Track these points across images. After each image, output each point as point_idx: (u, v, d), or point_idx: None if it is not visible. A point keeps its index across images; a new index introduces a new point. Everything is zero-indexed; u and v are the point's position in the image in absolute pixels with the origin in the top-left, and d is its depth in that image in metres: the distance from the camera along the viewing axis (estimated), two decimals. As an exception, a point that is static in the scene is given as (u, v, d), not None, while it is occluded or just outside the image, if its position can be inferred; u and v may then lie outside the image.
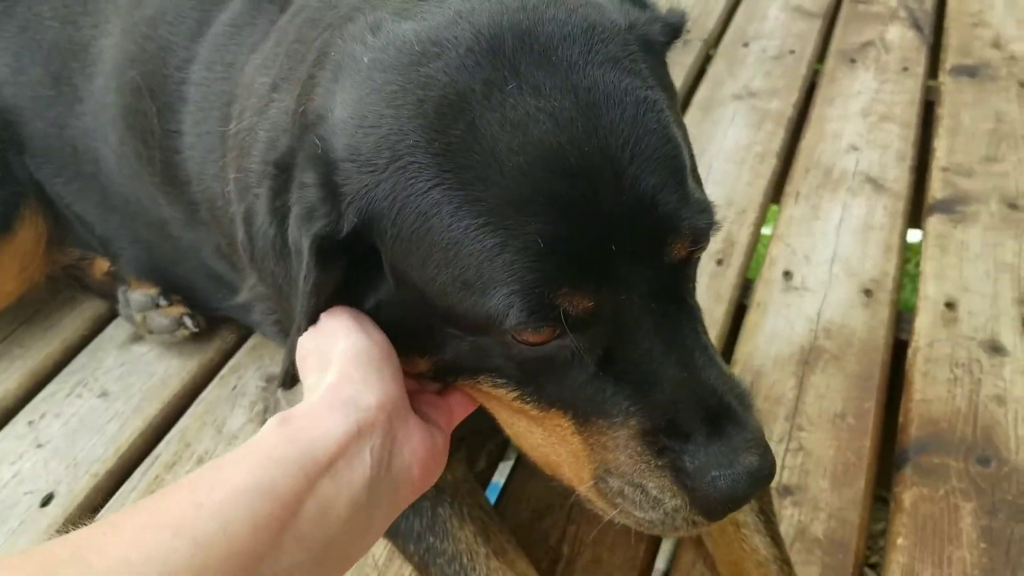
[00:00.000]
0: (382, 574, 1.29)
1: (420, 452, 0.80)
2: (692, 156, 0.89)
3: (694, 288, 0.92)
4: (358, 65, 0.87)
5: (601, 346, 0.84)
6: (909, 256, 2.20)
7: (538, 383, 0.89)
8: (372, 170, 0.81)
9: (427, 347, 0.92)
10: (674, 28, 0.97)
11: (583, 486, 0.93)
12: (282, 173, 0.89)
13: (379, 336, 0.85)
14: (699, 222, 0.83)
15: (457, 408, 0.97)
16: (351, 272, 0.88)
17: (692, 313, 0.89)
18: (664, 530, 0.90)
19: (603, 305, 0.80)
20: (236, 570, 0.64)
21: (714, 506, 0.84)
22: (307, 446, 0.72)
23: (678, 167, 0.82)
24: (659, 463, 0.85)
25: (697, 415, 0.84)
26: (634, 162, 0.79)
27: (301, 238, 0.85)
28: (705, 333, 0.90)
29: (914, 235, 2.08)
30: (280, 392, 1.64)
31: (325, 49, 0.96)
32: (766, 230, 2.07)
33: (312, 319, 0.88)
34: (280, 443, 0.72)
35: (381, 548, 1.34)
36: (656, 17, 0.95)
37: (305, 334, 0.88)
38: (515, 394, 0.90)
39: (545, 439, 0.94)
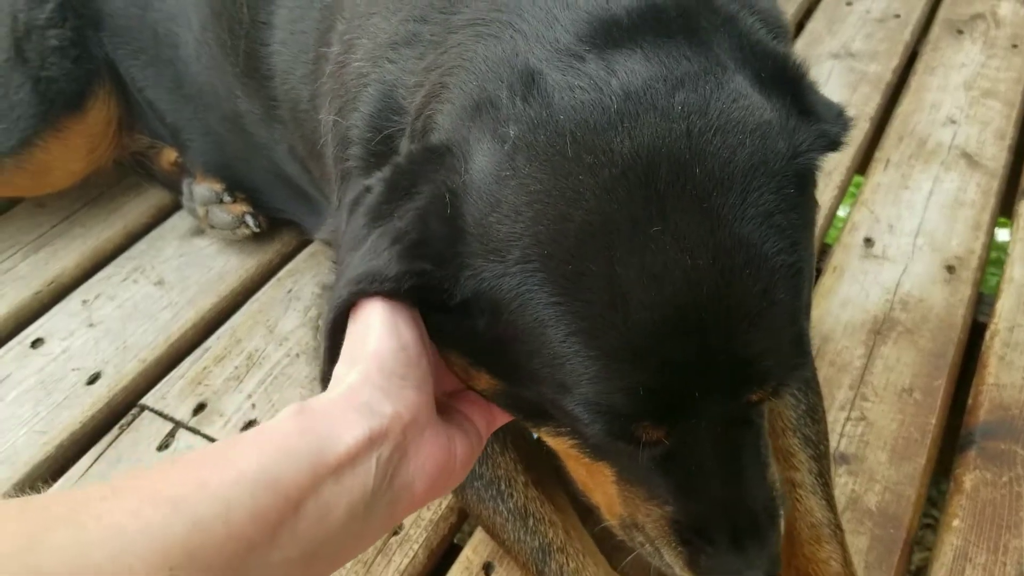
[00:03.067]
0: (368, 568, 1.26)
1: (428, 468, 0.78)
2: (811, 289, 0.88)
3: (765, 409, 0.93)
4: (500, 130, 0.81)
5: (663, 451, 0.86)
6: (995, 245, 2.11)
7: (597, 447, 0.91)
8: (501, 261, 0.78)
9: (505, 373, 0.89)
10: (835, 143, 0.89)
11: (611, 520, 0.99)
12: (400, 190, 0.85)
13: (410, 338, 0.81)
14: (787, 378, 0.85)
15: (499, 413, 0.95)
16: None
17: (756, 432, 0.90)
18: None
19: (675, 433, 0.83)
20: (229, 555, 0.63)
21: None
22: (318, 443, 0.71)
23: (789, 335, 0.81)
24: (679, 548, 0.91)
25: (726, 527, 0.89)
26: (750, 330, 0.78)
27: (395, 254, 0.81)
28: (765, 446, 0.92)
29: (1003, 235, 1.99)
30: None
31: (463, 62, 0.90)
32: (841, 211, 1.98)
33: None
34: (293, 434, 0.71)
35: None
36: (820, 132, 0.87)
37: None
38: (572, 443, 0.92)
39: (587, 475, 0.98)
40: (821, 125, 0.87)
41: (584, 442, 0.91)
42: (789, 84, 0.88)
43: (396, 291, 0.81)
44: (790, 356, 0.83)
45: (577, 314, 0.77)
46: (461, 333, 0.86)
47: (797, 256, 0.80)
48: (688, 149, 0.76)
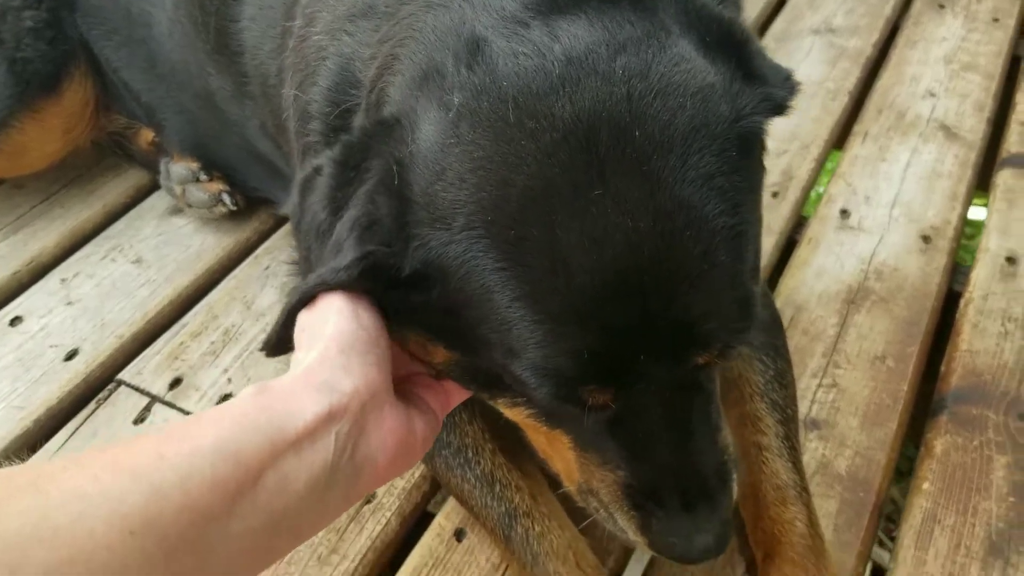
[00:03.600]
0: (341, 536, 1.26)
1: (389, 443, 0.79)
2: (758, 253, 0.88)
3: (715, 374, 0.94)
4: (445, 98, 0.82)
5: (613, 415, 0.87)
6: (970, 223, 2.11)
7: (551, 414, 0.92)
8: (447, 228, 0.79)
9: (458, 343, 0.90)
10: (780, 106, 0.89)
11: (570, 486, 1.00)
12: (350, 170, 0.86)
13: (369, 321, 0.83)
14: (733, 341, 0.85)
15: (454, 392, 0.97)
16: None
17: (706, 397, 0.91)
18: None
19: (622, 396, 0.84)
20: (187, 524, 0.64)
21: (666, 557, 0.96)
22: (278, 419, 0.72)
23: (732, 296, 0.82)
24: (631, 512, 0.92)
25: (676, 491, 0.90)
26: (690, 292, 0.78)
27: (351, 243, 0.82)
28: (716, 411, 0.93)
29: (978, 213, 2.00)
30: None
31: (413, 33, 0.91)
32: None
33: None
34: (252, 411, 0.72)
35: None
36: (765, 95, 0.87)
37: (303, 311, 0.86)
38: (528, 412, 0.93)
39: (547, 443, 1.00)
40: (766, 88, 0.87)
41: (539, 410, 0.92)
42: (734, 48, 0.88)
43: (351, 279, 0.82)
44: (734, 319, 0.83)
45: (521, 279, 0.78)
46: (416, 307, 0.87)
47: (739, 218, 0.80)
48: (628, 112, 0.77)
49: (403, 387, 0.90)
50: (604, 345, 0.79)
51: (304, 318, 0.85)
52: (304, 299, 0.84)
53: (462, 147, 0.79)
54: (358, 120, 0.96)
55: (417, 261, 0.81)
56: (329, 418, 0.74)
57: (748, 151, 0.84)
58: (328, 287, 0.83)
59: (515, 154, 0.76)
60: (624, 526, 0.95)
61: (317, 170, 0.89)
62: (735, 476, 0.96)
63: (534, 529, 1.14)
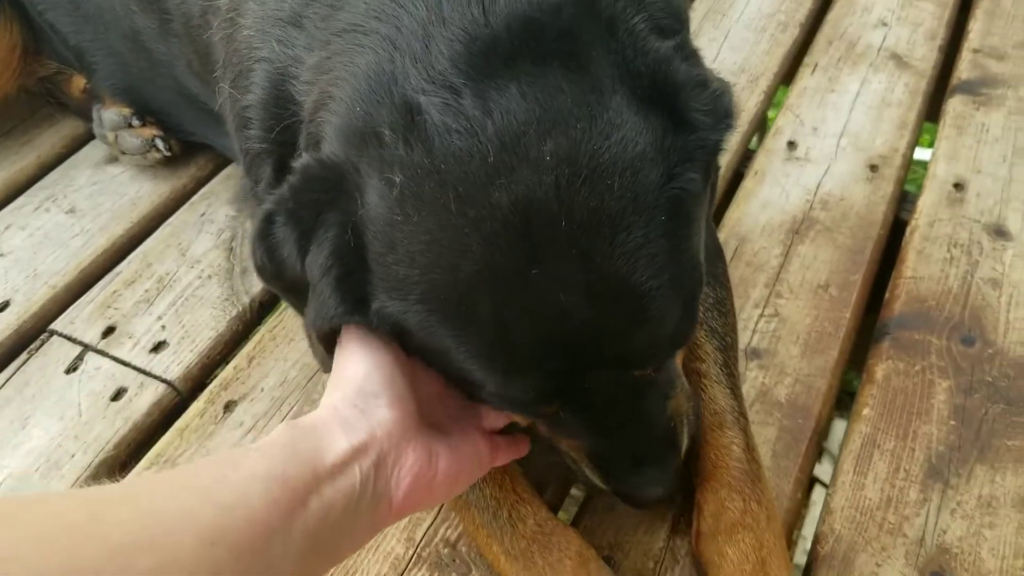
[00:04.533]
0: None
1: (405, 478, 0.85)
2: (697, 285, 0.94)
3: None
4: (386, 173, 0.84)
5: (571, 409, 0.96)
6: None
7: None
8: (403, 300, 0.85)
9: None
10: (715, 150, 0.92)
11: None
12: (307, 220, 0.89)
13: (384, 358, 0.90)
14: (670, 356, 0.98)
15: (503, 443, 1.04)
16: None
17: (657, 381, 0.99)
18: None
19: (569, 405, 0.94)
20: (253, 537, 0.71)
21: (624, 501, 1.08)
22: (313, 451, 0.80)
23: (664, 335, 0.89)
24: (594, 468, 1.04)
25: (629, 456, 1.01)
26: (623, 345, 0.87)
27: (330, 301, 0.89)
28: (667, 382, 1.01)
29: (923, 154, 1.98)
30: (248, 223, 1.60)
31: (347, 75, 0.90)
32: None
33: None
34: (291, 443, 0.80)
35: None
36: (699, 142, 0.88)
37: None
38: None
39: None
40: (700, 135, 0.89)
41: None
42: (669, 96, 0.88)
43: (344, 324, 0.91)
44: (669, 347, 0.95)
45: (472, 344, 0.86)
46: None
47: (668, 275, 0.85)
48: (557, 200, 0.80)
49: (447, 424, 0.97)
50: (544, 387, 0.89)
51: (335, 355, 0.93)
52: (324, 341, 0.94)
53: (410, 227, 0.83)
54: (302, 157, 0.97)
55: (380, 320, 0.88)
56: (354, 453, 0.82)
57: (678, 210, 0.87)
58: (331, 327, 0.91)
59: (460, 241, 0.81)
60: (590, 476, 1.05)
61: (270, 218, 0.91)
62: (686, 433, 1.06)
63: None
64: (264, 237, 0.93)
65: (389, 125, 0.84)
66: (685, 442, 1.06)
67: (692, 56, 1.01)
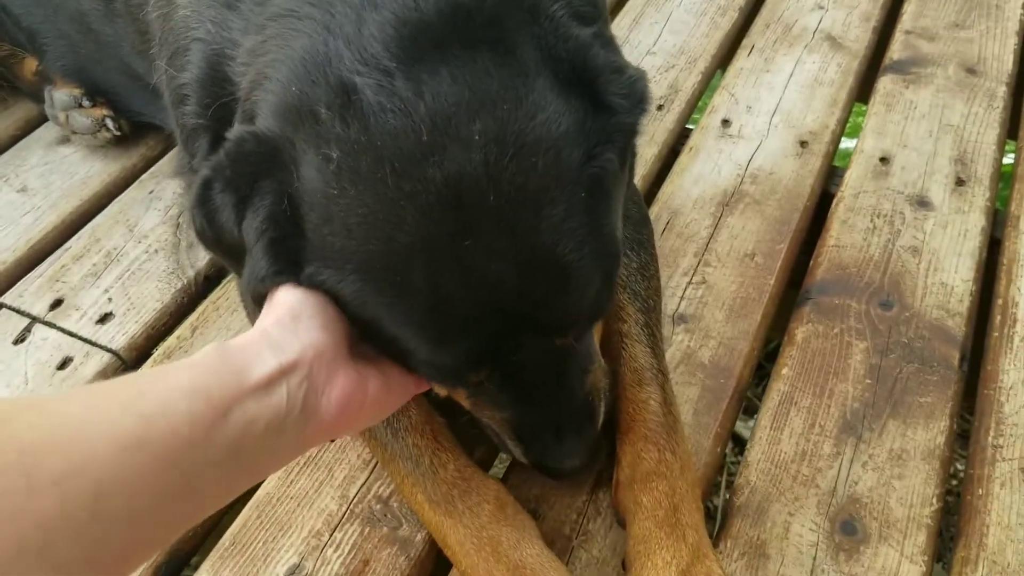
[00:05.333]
0: None
1: (335, 398, 0.87)
2: (615, 259, 0.99)
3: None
4: (323, 149, 0.87)
5: (495, 379, 1.01)
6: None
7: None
8: (339, 270, 0.89)
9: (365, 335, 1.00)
10: (631, 132, 0.97)
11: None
12: (243, 187, 0.92)
13: (316, 292, 0.92)
14: (589, 326, 1.04)
15: None
16: None
17: (572, 351, 1.03)
18: None
19: (496, 373, 0.98)
20: (173, 449, 0.72)
21: (543, 473, 1.14)
22: (239, 369, 0.81)
23: (586, 303, 0.94)
24: (516, 441, 1.09)
25: (549, 428, 1.07)
26: (549, 313, 0.92)
27: (263, 263, 0.92)
28: (585, 356, 1.07)
29: (847, 143, 2.05)
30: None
31: (282, 57, 0.93)
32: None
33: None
34: (216, 361, 0.81)
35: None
36: (617, 126, 0.94)
37: None
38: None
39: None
40: (617, 117, 0.94)
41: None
42: (588, 79, 0.93)
43: (276, 285, 0.93)
44: (588, 316, 0.99)
45: (406, 312, 0.90)
46: None
47: (591, 246, 0.91)
48: (486, 176, 0.85)
49: (374, 354, 0.98)
50: (477, 352, 0.93)
51: None
52: (258, 299, 0.96)
53: (346, 200, 0.86)
54: (236, 128, 0.99)
55: (311, 285, 0.91)
56: (280, 372, 0.83)
57: (597, 188, 0.92)
58: (265, 288, 0.93)
59: (396, 214, 0.85)
60: (512, 449, 1.11)
61: (208, 184, 0.95)
62: (603, 407, 1.12)
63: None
64: (203, 203, 0.96)
65: (325, 104, 0.88)
66: (602, 416, 1.12)
67: (610, 43, 1.08)
